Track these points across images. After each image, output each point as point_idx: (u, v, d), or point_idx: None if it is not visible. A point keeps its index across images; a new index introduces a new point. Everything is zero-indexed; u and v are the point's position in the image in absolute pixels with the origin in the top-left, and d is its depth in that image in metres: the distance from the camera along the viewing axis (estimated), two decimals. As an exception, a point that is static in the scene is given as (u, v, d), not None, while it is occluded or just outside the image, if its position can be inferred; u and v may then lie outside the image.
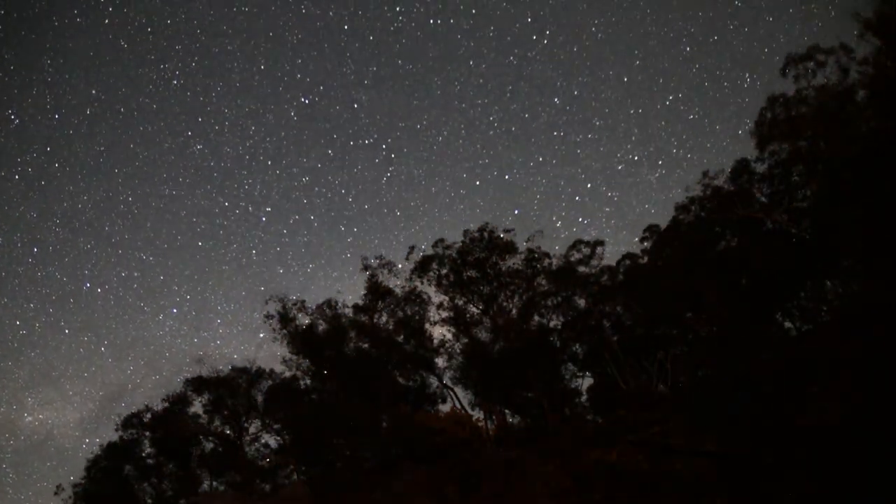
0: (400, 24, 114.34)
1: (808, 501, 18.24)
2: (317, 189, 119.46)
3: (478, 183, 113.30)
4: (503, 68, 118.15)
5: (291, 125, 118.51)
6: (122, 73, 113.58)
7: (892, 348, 18.22)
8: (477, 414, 36.73)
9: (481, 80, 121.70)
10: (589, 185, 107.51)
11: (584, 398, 40.62)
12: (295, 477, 40.28)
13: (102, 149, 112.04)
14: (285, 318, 37.23)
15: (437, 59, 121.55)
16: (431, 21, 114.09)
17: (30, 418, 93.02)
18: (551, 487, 24.73)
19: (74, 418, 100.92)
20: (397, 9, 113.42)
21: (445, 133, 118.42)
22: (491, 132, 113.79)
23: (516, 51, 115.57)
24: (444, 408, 38.83)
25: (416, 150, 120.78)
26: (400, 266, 40.25)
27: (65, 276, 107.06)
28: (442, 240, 40.18)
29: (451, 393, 39.25)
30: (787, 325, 37.13)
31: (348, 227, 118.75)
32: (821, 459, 18.45)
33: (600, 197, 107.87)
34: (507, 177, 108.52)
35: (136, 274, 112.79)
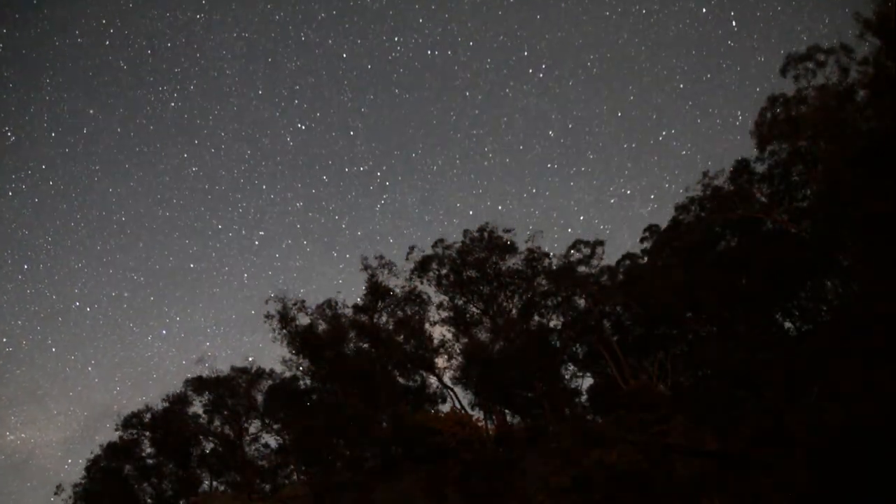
0: (398, 54, 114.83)
1: (808, 501, 18.24)
2: (310, 214, 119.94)
3: (471, 213, 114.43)
4: (499, 100, 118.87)
5: (287, 150, 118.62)
6: (121, 93, 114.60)
7: (893, 348, 18.22)
8: (477, 414, 36.76)
9: (477, 111, 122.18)
10: (581, 218, 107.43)
11: (584, 398, 40.64)
12: (295, 477, 40.31)
13: (97, 168, 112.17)
14: (285, 318, 37.19)
15: (434, 89, 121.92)
16: (429, 52, 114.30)
17: (12, 437, 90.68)
18: (551, 487, 24.72)
19: (57, 438, 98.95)
20: (396, 39, 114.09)
21: (440, 162, 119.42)
22: (486, 163, 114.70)
23: (512, 83, 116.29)
24: (444, 408, 38.85)
25: (411, 178, 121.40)
26: (400, 266, 40.21)
27: (54, 293, 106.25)
28: (442, 240, 40.20)
29: (451, 393, 39.26)
30: (787, 325, 37.13)
31: (340, 253, 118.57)
32: (821, 459, 18.45)
33: (592, 229, 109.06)
34: (500, 207, 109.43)
35: (126, 294, 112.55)
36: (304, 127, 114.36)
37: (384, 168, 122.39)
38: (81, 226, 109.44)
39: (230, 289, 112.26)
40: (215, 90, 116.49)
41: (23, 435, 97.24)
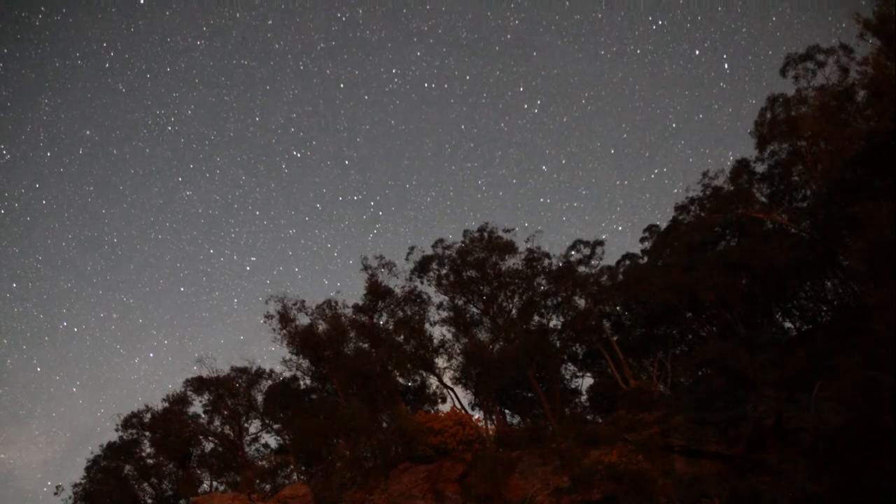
0: (395, 86, 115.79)
1: (807, 501, 18.24)
2: (303, 242, 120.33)
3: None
4: (494, 134, 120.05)
5: (282, 177, 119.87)
6: (118, 115, 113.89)
7: (893, 348, 18.20)
8: (477, 414, 36.74)
9: (472, 144, 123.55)
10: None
11: (584, 398, 40.65)
12: (295, 477, 40.28)
13: (91, 188, 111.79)
14: (285, 318, 37.19)
15: (430, 122, 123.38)
16: (426, 84, 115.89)
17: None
18: (551, 487, 24.72)
19: (38, 460, 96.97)
20: (393, 70, 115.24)
21: (434, 194, 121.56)
22: (479, 195, 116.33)
23: (507, 117, 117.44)
24: (444, 408, 38.86)
25: (404, 208, 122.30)
26: (400, 266, 40.18)
27: (42, 313, 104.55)
28: (442, 240, 40.12)
29: (451, 393, 39.25)
30: (787, 325, 37.16)
31: (332, 281, 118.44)
32: (821, 459, 18.46)
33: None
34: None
35: (114, 315, 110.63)
36: (299, 154, 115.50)
37: (378, 198, 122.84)
38: (73, 246, 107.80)
39: (220, 313, 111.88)
40: (213, 115, 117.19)
41: (2, 455, 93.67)
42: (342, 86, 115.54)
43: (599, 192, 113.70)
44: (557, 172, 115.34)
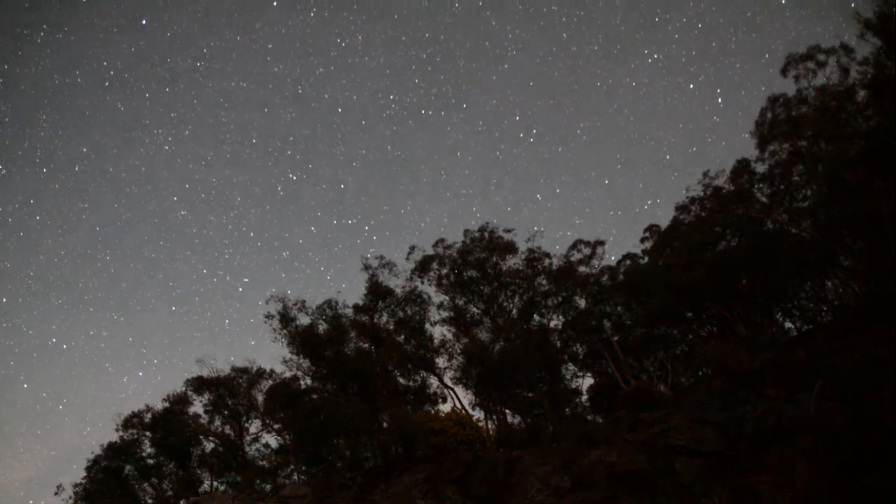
0: (392, 112, 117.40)
1: (807, 501, 18.23)
2: (296, 264, 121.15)
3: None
4: (489, 162, 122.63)
5: (277, 199, 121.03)
6: (116, 133, 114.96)
7: (893, 348, 18.22)
8: (477, 414, 36.70)
9: (467, 172, 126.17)
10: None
11: (584, 398, 40.59)
12: (295, 477, 40.30)
13: (86, 205, 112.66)
14: (285, 318, 37.18)
15: (426, 148, 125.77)
16: (423, 111, 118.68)
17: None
18: (551, 487, 24.72)
19: (21, 478, 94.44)
20: (391, 97, 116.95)
21: (428, 220, 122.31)
22: (472, 222, 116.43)
23: (503, 146, 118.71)
24: (445, 408, 38.79)
25: (399, 233, 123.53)
26: (400, 266, 40.16)
27: (31, 329, 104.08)
28: (442, 240, 40.16)
29: (452, 393, 39.20)
30: (788, 325, 37.14)
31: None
32: (821, 459, 18.45)
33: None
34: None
35: (104, 333, 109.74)
36: (295, 177, 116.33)
37: (372, 223, 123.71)
38: (65, 262, 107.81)
39: (211, 334, 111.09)
40: (210, 136, 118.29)
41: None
42: (340, 110, 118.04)
43: (593, 221, 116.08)
44: (552, 201, 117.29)
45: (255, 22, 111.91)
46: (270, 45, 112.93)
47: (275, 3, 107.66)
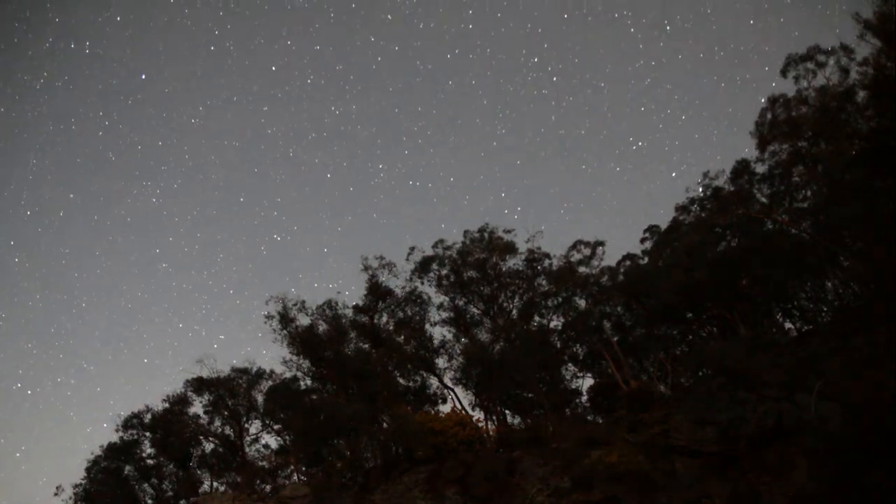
0: (380, 181, 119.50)
1: (807, 501, 18.24)
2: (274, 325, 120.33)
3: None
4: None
5: (260, 259, 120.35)
6: (104, 182, 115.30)
7: (893, 348, 18.22)
8: (477, 414, 36.67)
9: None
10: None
11: (584, 398, 40.59)
12: (295, 477, 40.28)
13: (67, 251, 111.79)
14: (285, 319, 37.18)
15: (411, 218, 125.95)
16: (411, 182, 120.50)
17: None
18: (551, 488, 24.72)
19: None
20: (380, 166, 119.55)
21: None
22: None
23: (487, 219, 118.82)
24: (445, 408, 38.75)
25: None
26: (400, 266, 40.12)
27: None
28: (442, 240, 40.09)
29: (452, 393, 39.20)
30: (788, 325, 37.14)
31: None
32: (821, 459, 18.45)
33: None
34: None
35: (72, 381, 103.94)
36: (279, 238, 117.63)
37: (353, 287, 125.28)
38: (39, 306, 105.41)
39: (182, 386, 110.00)
40: (198, 192, 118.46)
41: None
42: (329, 175, 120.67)
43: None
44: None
45: (252, 84, 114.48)
46: (266, 108, 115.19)
47: (273, 68, 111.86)
